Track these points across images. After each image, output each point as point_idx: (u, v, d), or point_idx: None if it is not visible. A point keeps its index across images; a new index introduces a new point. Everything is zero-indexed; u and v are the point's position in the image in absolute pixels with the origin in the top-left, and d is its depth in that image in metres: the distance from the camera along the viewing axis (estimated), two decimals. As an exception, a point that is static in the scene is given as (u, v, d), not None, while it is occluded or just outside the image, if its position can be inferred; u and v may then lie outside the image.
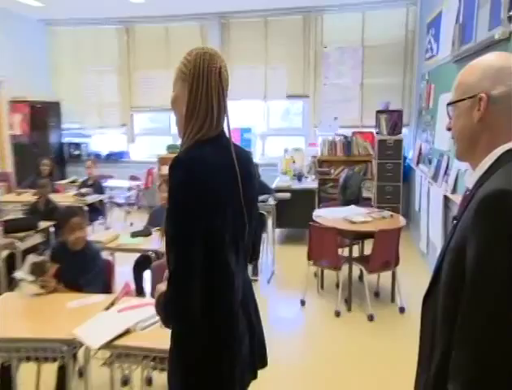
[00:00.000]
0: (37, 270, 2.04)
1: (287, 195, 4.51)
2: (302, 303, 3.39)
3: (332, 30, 5.75)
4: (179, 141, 4.60)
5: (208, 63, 1.04)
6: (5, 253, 3.57)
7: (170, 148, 6.51)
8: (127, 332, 1.56)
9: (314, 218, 3.48)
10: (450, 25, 3.32)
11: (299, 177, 5.11)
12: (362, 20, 5.58)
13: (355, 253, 3.42)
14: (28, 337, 1.70)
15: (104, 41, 6.78)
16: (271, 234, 4.23)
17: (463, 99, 0.84)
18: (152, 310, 1.53)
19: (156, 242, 2.98)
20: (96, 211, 4.96)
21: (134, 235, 3.14)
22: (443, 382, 0.72)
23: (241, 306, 1.13)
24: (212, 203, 1.00)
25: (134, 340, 1.53)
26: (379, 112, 5.27)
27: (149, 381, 2.23)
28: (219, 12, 5.92)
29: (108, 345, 1.49)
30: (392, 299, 3.39)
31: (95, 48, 6.85)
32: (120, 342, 1.51)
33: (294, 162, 5.55)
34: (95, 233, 4.47)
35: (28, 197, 4.51)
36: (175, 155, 1.00)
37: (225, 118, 1.07)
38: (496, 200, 0.67)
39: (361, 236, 3.36)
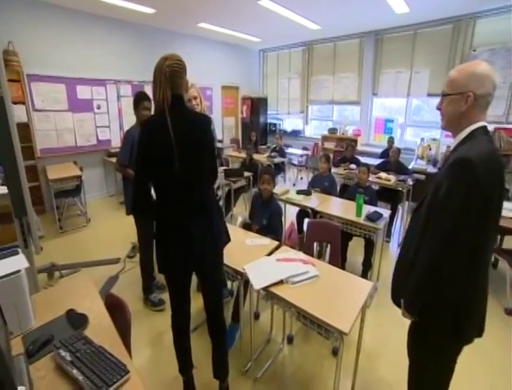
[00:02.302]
0: (245, 227, 2.22)
1: (422, 176, 4.35)
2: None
3: (484, 33, 4.78)
4: (338, 125, 6.18)
5: (157, 65, 1.22)
6: (226, 189, 4.00)
7: (330, 130, 6.87)
8: (280, 282, 1.47)
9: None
10: None
11: (434, 162, 4.82)
12: (524, 20, 4.40)
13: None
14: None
15: (293, 58, 7.47)
16: (407, 206, 3.94)
17: (455, 94, 0.96)
18: (302, 268, 1.53)
19: (313, 201, 2.84)
20: (279, 169, 5.40)
21: (299, 192, 3.03)
22: (416, 253, 0.99)
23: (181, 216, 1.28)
24: (150, 147, 1.21)
25: (283, 291, 1.42)
26: (533, 109, 4.43)
27: (289, 340, 2.06)
28: (375, 30, 5.82)
29: (265, 289, 1.44)
30: (537, 297, 2.46)
31: (287, 63, 7.63)
32: (274, 289, 1.43)
33: (430, 149, 5.26)
34: (276, 185, 5.73)
35: (243, 154, 5.13)
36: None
37: (166, 99, 1.18)
38: (460, 162, 0.89)
39: (504, 231, 2.48)
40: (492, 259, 2.66)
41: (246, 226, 2.25)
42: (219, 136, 7.37)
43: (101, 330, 1.20)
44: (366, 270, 2.65)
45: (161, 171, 1.24)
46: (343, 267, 2.66)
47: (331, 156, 6.33)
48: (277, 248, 1.88)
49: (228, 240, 1.51)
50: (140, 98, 2.26)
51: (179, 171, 1.22)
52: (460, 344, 1.05)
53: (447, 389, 1.16)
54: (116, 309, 1.32)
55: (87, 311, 1.29)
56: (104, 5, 4.34)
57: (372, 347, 2.08)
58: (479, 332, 1.05)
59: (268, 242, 1.93)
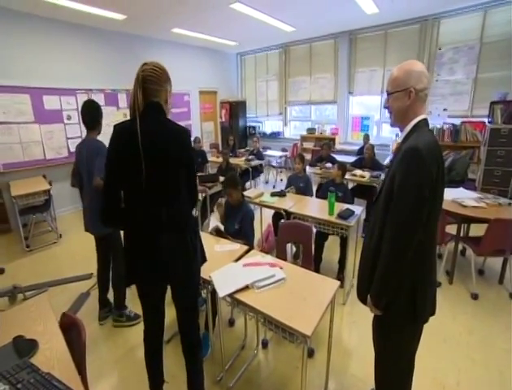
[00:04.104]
0: (217, 232, 2.18)
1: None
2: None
3: (449, 33, 4.99)
4: (316, 125, 6.35)
5: (137, 72, 1.19)
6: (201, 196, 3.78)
7: (309, 130, 6.97)
8: (246, 287, 1.44)
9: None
10: None
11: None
12: (483, 19, 4.63)
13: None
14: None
15: (270, 61, 7.58)
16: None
17: (399, 91, 1.05)
18: (269, 272, 1.52)
19: (287, 202, 2.80)
20: (257, 171, 5.53)
21: (273, 194, 3.00)
22: (379, 243, 1.05)
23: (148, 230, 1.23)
24: (119, 152, 1.19)
25: (248, 296, 1.40)
26: (493, 103, 4.59)
27: (264, 344, 2.03)
28: (349, 30, 5.94)
29: (230, 295, 1.41)
30: (501, 281, 2.65)
31: (265, 66, 7.73)
32: (239, 295, 1.41)
33: (404, 144, 5.51)
34: (256, 187, 5.49)
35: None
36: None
37: (137, 105, 1.15)
38: (410, 151, 0.96)
39: (469, 220, 2.56)
40: (460, 247, 2.73)
41: (218, 231, 2.21)
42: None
43: (52, 355, 1.13)
44: (342, 268, 2.66)
45: (129, 179, 1.19)
46: (317, 267, 2.71)
47: (310, 156, 6.49)
48: (247, 252, 1.86)
49: (204, 260, 1.44)
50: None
51: (146, 183, 1.17)
52: (418, 325, 1.12)
53: (411, 375, 1.21)
54: (71, 330, 1.26)
55: (39, 336, 1.21)
56: (72, 12, 4.22)
57: (347, 344, 2.08)
58: (433, 310, 1.12)
59: (237, 247, 1.91)
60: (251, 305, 1.35)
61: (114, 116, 5.32)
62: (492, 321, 2.20)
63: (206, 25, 5.29)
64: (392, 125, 1.14)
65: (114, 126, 1.21)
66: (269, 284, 1.47)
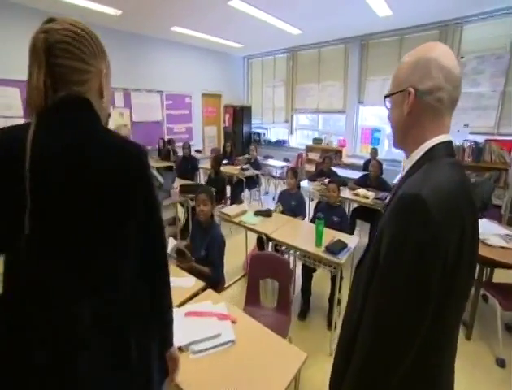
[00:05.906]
0: (179, 254, 1.84)
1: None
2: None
3: (472, 40, 4.55)
4: (323, 135, 6.04)
5: (33, 35, 0.61)
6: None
7: (315, 140, 6.64)
8: (179, 348, 1.02)
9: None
10: None
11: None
12: (514, 24, 4.17)
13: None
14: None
15: (277, 65, 7.31)
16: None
17: (396, 93, 0.69)
18: (214, 329, 1.16)
19: (271, 225, 2.42)
20: (253, 182, 4.93)
21: (257, 213, 2.66)
22: (356, 331, 0.65)
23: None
24: None
25: (181, 364, 0.90)
26: (526, 120, 4.18)
27: None
28: (360, 35, 5.61)
29: None
30: (533, 341, 2.06)
31: (272, 70, 7.46)
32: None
33: (417, 160, 5.10)
34: (252, 198, 5.19)
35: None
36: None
37: (35, 97, 0.59)
38: (406, 203, 0.57)
39: (495, 264, 2.05)
40: (482, 292, 2.27)
41: (180, 253, 1.84)
42: (199, 145, 7.07)
43: None
44: (331, 308, 2.24)
45: (6, 239, 0.61)
46: (307, 300, 2.41)
47: (314, 168, 6.11)
48: (204, 289, 1.51)
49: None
50: None
51: (37, 244, 0.60)
52: None
53: None
54: None
55: None
56: (64, 5, 4.06)
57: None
58: None
59: (192, 284, 1.52)
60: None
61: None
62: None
63: (205, 24, 5.07)
64: (394, 146, 0.74)
65: None
66: (210, 349, 1.09)
